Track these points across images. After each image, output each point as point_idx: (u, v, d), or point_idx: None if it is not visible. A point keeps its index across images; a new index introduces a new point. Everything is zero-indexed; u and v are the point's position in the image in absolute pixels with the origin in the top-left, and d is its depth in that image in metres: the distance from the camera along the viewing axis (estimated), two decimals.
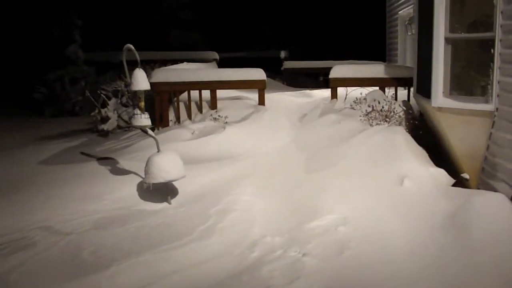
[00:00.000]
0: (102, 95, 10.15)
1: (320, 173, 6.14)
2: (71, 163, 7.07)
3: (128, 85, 9.44)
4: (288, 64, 16.45)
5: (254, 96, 8.95)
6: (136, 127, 6.06)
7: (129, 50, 5.64)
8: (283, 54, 18.13)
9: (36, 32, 16.62)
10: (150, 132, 5.99)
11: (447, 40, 6.26)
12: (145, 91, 5.78)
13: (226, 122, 7.89)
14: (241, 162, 6.74)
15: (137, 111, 5.76)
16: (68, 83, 14.70)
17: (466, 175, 6.15)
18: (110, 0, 19.35)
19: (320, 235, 4.96)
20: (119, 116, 9.62)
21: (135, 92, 5.84)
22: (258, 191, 5.94)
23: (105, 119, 9.59)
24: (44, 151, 8.22)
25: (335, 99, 8.57)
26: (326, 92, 10.10)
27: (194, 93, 8.65)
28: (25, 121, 13.02)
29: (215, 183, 6.10)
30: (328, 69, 8.75)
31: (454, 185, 5.69)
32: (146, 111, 5.82)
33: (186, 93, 8.75)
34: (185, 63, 10.95)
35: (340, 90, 8.69)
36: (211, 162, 6.66)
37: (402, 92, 8.64)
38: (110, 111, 9.66)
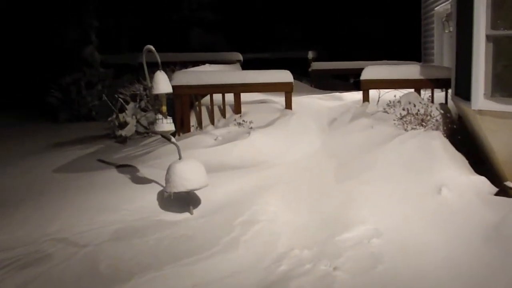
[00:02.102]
0: (119, 99, 10.23)
1: (351, 182, 6.11)
2: (87, 171, 7.13)
3: (147, 88, 9.79)
4: (316, 65, 16.41)
5: (280, 99, 8.94)
6: (158, 133, 6.09)
7: (149, 51, 5.68)
8: (310, 54, 18.09)
9: (51, 34, 16.80)
10: (172, 138, 6.02)
11: (488, 37, 6.17)
12: (167, 94, 5.81)
13: (251, 127, 7.91)
14: (267, 170, 6.74)
15: (159, 116, 5.79)
16: (84, 86, 14.83)
17: (510, 183, 6.05)
18: (127, 0, 19.53)
19: (352, 248, 4.93)
20: (137, 121, 9.69)
21: (156, 96, 5.88)
22: (285, 201, 5.92)
23: (123, 125, 9.66)
24: (58, 158, 8.31)
25: (367, 102, 8.52)
26: (357, 95, 10.06)
27: (217, 97, 8.70)
28: (38, 127, 13.19)
29: (240, 192, 6.11)
30: (359, 70, 8.71)
31: (496, 194, 5.61)
32: (168, 115, 5.86)
33: (208, 97, 8.79)
34: (207, 65, 11.01)
35: (372, 93, 8.65)
36: (235, 170, 6.66)
37: (439, 95, 8.55)
38: (128, 116, 9.74)
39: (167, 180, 5.73)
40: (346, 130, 7.50)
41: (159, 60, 5.70)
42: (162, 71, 5.77)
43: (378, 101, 8.56)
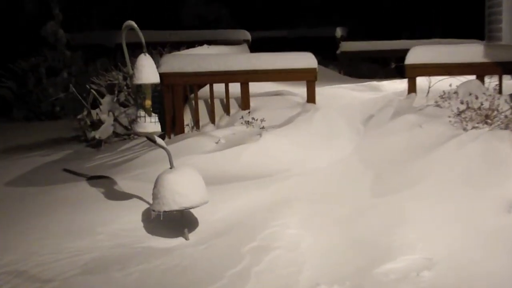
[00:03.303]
0: (92, 91, 10.12)
1: (393, 197, 6.11)
2: (51, 184, 7.15)
3: (127, 77, 9.72)
4: (347, 46, 16.45)
5: (300, 90, 8.99)
6: (141, 135, 6.09)
7: (130, 28, 5.71)
8: (339, 32, 18.12)
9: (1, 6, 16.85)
10: (159, 141, 6.01)
11: None
12: (152, 85, 5.83)
13: (263, 127, 7.96)
14: (283, 181, 6.78)
15: (142, 112, 5.78)
16: (45, 74, 14.77)
17: None
18: None
19: (396, 282, 4.89)
20: (115, 119, 9.69)
21: (139, 87, 5.97)
22: (307, 221, 5.94)
23: (96, 124, 9.64)
24: (13, 167, 8.31)
25: (413, 94, 8.56)
26: (401, 84, 10.18)
27: (219, 88, 8.73)
28: None
29: (249, 210, 6.15)
30: (403, 52, 8.75)
31: None
32: (154, 112, 5.84)
33: (207, 88, 8.83)
34: (205, 46, 11.12)
35: (421, 81, 8.68)
36: (243, 182, 6.72)
37: (509, 83, 8.53)
38: (104, 113, 9.72)
39: (155, 195, 5.74)
40: (386, 130, 7.54)
41: (143, 40, 5.70)
42: (147, 55, 5.75)
43: (428, 92, 8.59)
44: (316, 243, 5.61)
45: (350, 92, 9.79)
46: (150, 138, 5.99)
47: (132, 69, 5.80)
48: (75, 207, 6.34)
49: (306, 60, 8.58)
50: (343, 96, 9.38)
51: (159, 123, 5.87)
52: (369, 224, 5.78)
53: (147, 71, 5.69)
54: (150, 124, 5.79)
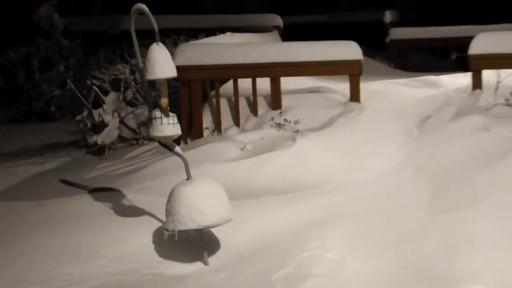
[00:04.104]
0: (93, 87, 10.07)
1: (455, 216, 6.05)
2: (45, 198, 7.11)
3: (136, 70, 9.75)
4: (397, 33, 16.39)
5: (341, 86, 9.04)
6: (155, 140, 6.07)
7: (140, 13, 5.70)
8: (388, 16, 18.03)
9: None
10: (174, 147, 6.00)
11: None
12: (168, 80, 5.79)
13: (297, 131, 8.01)
14: (321, 196, 6.76)
15: (157, 113, 5.76)
16: (38, 68, 14.69)
17: None
18: None
19: None
20: (121, 121, 9.72)
21: (151, 82, 5.90)
22: (350, 244, 5.89)
23: (99, 127, 9.63)
24: (2, 177, 8.35)
25: (478, 90, 8.55)
26: (463, 79, 10.12)
27: (245, 84, 8.77)
28: None
29: (280, 231, 6.11)
30: (466, 40, 8.74)
31: None
32: (171, 111, 5.84)
33: (230, 84, 8.87)
34: (228, 33, 11.19)
35: (488, 75, 8.67)
36: (272, 196, 6.70)
37: None
38: (108, 114, 9.72)
39: (169, 212, 5.70)
40: (445, 134, 7.55)
41: (155, 27, 5.64)
42: (160, 44, 5.70)
43: (497, 88, 8.54)
44: (361, 270, 5.54)
45: (402, 88, 9.77)
46: (165, 144, 5.96)
47: (143, 61, 5.79)
48: (73, 225, 6.30)
49: (349, 50, 8.62)
50: (393, 93, 9.39)
51: (178, 125, 5.85)
52: (424, 247, 5.71)
53: (161, 63, 5.64)
54: (168, 126, 5.75)
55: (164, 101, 5.76)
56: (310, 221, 6.24)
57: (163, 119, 5.73)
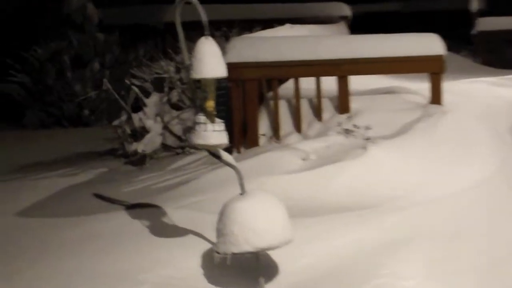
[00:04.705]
0: (133, 87, 10.17)
1: None
2: (78, 215, 7.17)
3: (183, 68, 9.81)
4: (486, 24, 16.25)
5: (420, 86, 9.07)
6: (202, 148, 6.04)
7: (186, 3, 5.71)
8: (475, 4, 17.85)
9: None
10: (226, 157, 5.95)
11: None
12: (217, 80, 5.75)
13: (368, 138, 8.02)
14: (397, 213, 6.70)
15: (202, 117, 5.72)
16: (70, 65, 14.83)
17: None
18: None
19: None
20: (165, 126, 9.76)
21: (198, 82, 5.89)
22: (431, 269, 5.80)
23: (139, 133, 9.72)
24: (26, 192, 8.36)
25: None
26: None
27: (307, 83, 8.72)
28: None
29: (348, 254, 6.06)
30: None
31: None
32: (218, 117, 5.78)
33: (290, 83, 8.92)
34: (288, 25, 11.15)
35: None
36: (340, 214, 6.64)
37: None
38: (149, 118, 9.81)
39: (220, 232, 5.62)
40: None
41: (204, 18, 5.60)
42: (209, 38, 5.67)
43: None
44: None
45: (493, 88, 9.77)
46: (213, 152, 5.91)
47: (189, 58, 5.76)
48: (109, 246, 6.28)
49: (429, 44, 8.61)
50: (482, 94, 9.38)
51: (225, 133, 5.79)
52: None
53: (209, 60, 5.60)
54: (213, 133, 5.72)
55: (210, 104, 5.73)
56: (383, 243, 6.18)
57: (208, 125, 5.70)
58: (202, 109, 5.77)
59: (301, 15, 15.13)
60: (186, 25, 6.04)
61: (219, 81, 5.89)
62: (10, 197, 8.19)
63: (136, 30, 15.63)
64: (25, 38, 15.26)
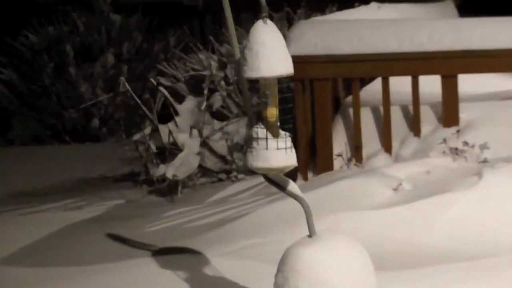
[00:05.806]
0: (160, 89, 9.60)
1: None
2: (89, 263, 6.58)
3: (230, 63, 9.88)
4: None
5: None
6: (259, 172, 5.17)
7: None
8: None
9: None
10: (291, 187, 5.04)
11: None
12: (280, 80, 4.99)
13: (485, 160, 7.52)
14: None
15: (261, 130, 4.83)
16: (74, 57, 14.10)
17: None
18: None
19: None
20: (204, 142, 9.20)
21: (252, 82, 5.21)
22: None
23: (169, 152, 9.06)
24: (15, 230, 7.89)
25: None
26: None
27: (399, 85, 8.18)
28: None
29: None
30: None
31: None
32: (283, 130, 5.03)
33: (376, 85, 8.65)
34: (373, 4, 11.17)
35: None
36: (445, 265, 5.90)
37: None
38: (183, 131, 9.17)
39: (281, 286, 4.86)
40: None
41: None
42: (269, 22, 4.79)
43: None
44: None
45: None
46: (272, 179, 5.12)
47: (240, 50, 4.93)
48: None
49: None
50: None
51: (294, 151, 4.93)
52: None
53: (269, 53, 4.70)
54: (278, 152, 4.90)
55: (272, 113, 4.91)
56: None
57: (269, 141, 4.84)
58: (260, 119, 4.95)
59: None
60: (235, 4, 5.25)
61: (280, 81, 5.11)
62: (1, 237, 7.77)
63: (165, 10, 15.23)
64: (13, 20, 14.64)
